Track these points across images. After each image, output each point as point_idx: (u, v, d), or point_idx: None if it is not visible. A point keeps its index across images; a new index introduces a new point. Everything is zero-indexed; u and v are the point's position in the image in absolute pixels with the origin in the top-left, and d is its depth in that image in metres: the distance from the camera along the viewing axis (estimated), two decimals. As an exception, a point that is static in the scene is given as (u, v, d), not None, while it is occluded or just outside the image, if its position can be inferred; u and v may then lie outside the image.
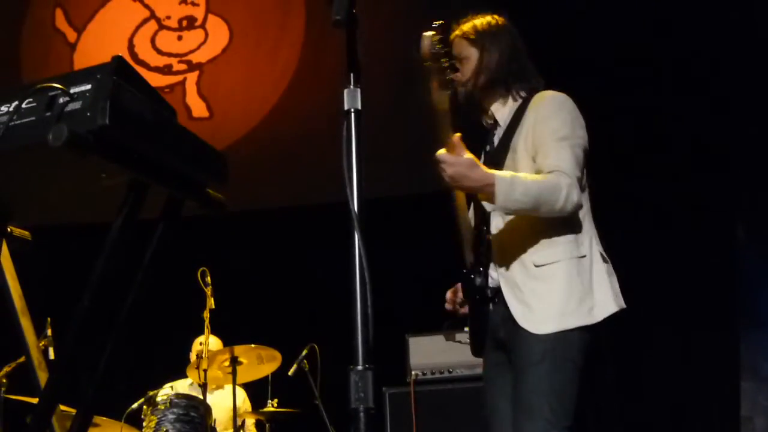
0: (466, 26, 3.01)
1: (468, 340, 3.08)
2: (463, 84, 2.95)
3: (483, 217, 2.86)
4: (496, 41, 2.96)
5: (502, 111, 2.97)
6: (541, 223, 2.77)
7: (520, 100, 2.94)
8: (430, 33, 2.63)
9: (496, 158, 2.88)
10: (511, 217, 2.81)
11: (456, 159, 2.64)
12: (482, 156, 3.00)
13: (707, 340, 5.48)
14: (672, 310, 5.57)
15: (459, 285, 3.06)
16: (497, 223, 2.87)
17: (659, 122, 5.78)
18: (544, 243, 2.79)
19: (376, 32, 6.08)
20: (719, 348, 5.47)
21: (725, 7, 5.48)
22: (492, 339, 2.91)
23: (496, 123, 2.99)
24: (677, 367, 5.54)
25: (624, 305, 2.84)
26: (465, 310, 3.04)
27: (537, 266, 2.77)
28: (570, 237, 2.79)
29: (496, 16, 3.02)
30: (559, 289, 2.74)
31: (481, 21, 3.01)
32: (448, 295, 3.10)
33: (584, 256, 2.78)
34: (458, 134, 2.68)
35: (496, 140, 2.97)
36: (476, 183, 2.65)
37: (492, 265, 2.88)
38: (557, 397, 2.68)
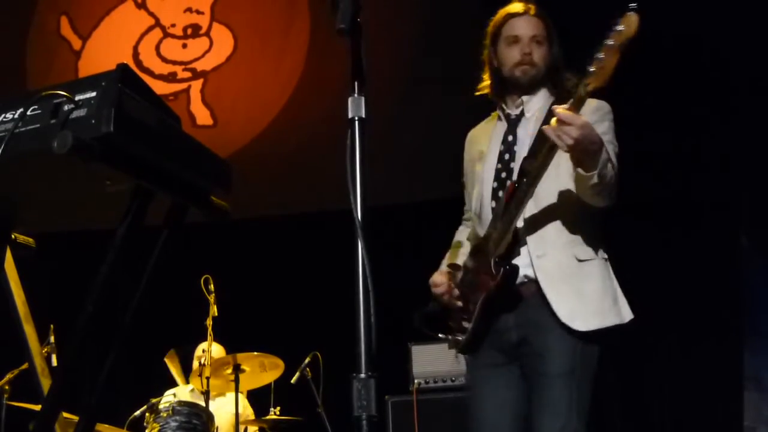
0: (539, 11, 2.99)
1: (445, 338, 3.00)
2: (533, 64, 2.94)
3: (509, 208, 2.75)
4: (557, 37, 2.99)
5: (531, 104, 2.97)
6: (576, 218, 2.81)
7: (553, 98, 2.92)
8: (636, 15, 2.45)
9: (535, 148, 2.82)
10: (546, 206, 2.78)
11: (582, 120, 2.53)
12: (503, 144, 2.97)
13: (710, 350, 5.47)
14: (675, 320, 5.56)
15: (448, 270, 2.98)
16: (532, 214, 2.82)
17: (662, 131, 5.78)
18: (581, 238, 2.83)
19: (378, 39, 6.09)
20: (722, 358, 5.46)
21: (722, 11, 5.47)
22: (497, 339, 2.85)
23: (521, 114, 2.97)
24: (680, 377, 5.53)
25: None
26: (455, 300, 2.92)
27: (579, 261, 2.80)
28: (599, 237, 2.86)
29: None
30: (598, 288, 2.80)
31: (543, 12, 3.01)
32: (440, 278, 2.96)
33: (607, 258, 2.87)
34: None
35: (522, 131, 2.94)
36: (596, 145, 2.57)
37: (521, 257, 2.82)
38: (585, 402, 2.77)
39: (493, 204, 2.89)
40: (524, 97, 2.97)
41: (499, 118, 3.04)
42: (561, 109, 2.52)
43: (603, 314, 2.77)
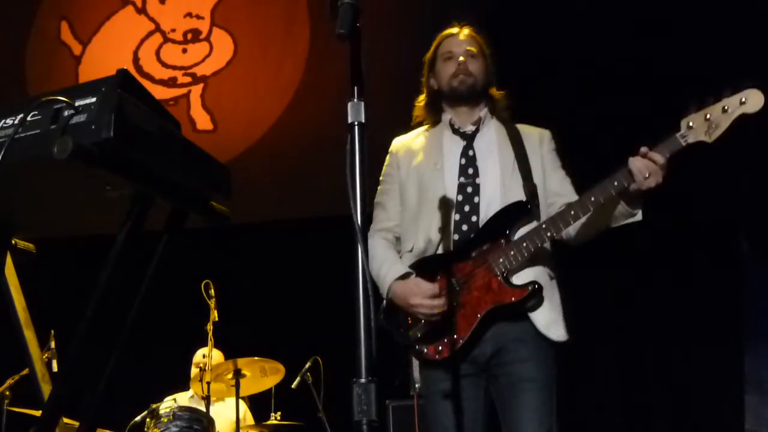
0: (474, 31, 3.18)
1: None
2: (472, 75, 3.08)
3: (537, 229, 2.86)
4: (492, 55, 3.16)
5: (488, 120, 3.11)
6: (549, 242, 2.93)
7: (500, 123, 3.10)
8: (762, 96, 2.67)
9: (522, 160, 3.00)
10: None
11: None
12: (463, 157, 3.04)
13: (711, 354, 5.46)
14: (676, 323, 5.55)
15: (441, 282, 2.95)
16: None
17: (660, 135, 5.77)
18: (552, 259, 2.99)
19: (377, 41, 6.10)
20: (724, 361, 5.45)
21: (717, 16, 5.48)
22: (470, 349, 2.88)
23: (477, 130, 3.08)
24: (681, 381, 5.53)
25: None
26: (443, 311, 2.89)
27: (551, 279, 2.95)
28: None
29: None
30: (560, 302, 2.95)
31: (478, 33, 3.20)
32: (436, 288, 2.88)
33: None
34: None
35: (479, 145, 3.05)
36: None
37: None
38: (555, 410, 2.86)
39: (457, 217, 2.95)
40: (481, 113, 3.10)
41: (446, 131, 3.12)
42: (659, 157, 2.73)
43: (564, 329, 2.91)
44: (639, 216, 2.85)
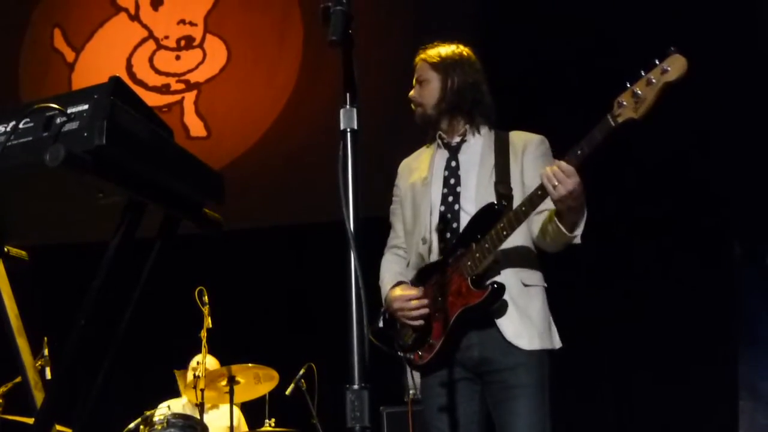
0: (431, 51, 3.15)
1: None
2: (420, 104, 3.11)
3: (497, 231, 2.79)
4: (459, 69, 3.09)
5: (475, 132, 3.10)
6: (529, 248, 2.94)
7: (491, 133, 3.07)
8: (684, 59, 2.49)
9: (501, 166, 2.98)
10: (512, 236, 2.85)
11: (577, 177, 2.62)
12: (446, 170, 3.06)
13: (705, 360, 5.47)
14: (670, 330, 5.56)
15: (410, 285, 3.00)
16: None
17: (656, 140, 5.79)
18: (529, 265, 2.95)
19: (372, 45, 6.11)
20: (717, 367, 5.46)
21: (713, 28, 5.50)
22: (459, 354, 2.89)
23: (462, 141, 3.09)
24: (675, 387, 5.53)
25: None
26: (422, 317, 2.93)
27: (525, 285, 2.90)
28: (540, 267, 2.98)
29: (461, 46, 3.17)
30: (539, 311, 2.91)
31: (446, 49, 3.15)
32: (415, 292, 2.95)
33: (546, 287, 2.98)
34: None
35: (463, 157, 3.06)
36: (580, 207, 2.71)
37: None
38: (549, 414, 2.83)
39: (441, 226, 2.98)
40: (467, 126, 3.09)
41: (438, 146, 3.15)
42: (565, 163, 2.61)
43: (543, 337, 2.88)
44: (577, 239, 2.76)
